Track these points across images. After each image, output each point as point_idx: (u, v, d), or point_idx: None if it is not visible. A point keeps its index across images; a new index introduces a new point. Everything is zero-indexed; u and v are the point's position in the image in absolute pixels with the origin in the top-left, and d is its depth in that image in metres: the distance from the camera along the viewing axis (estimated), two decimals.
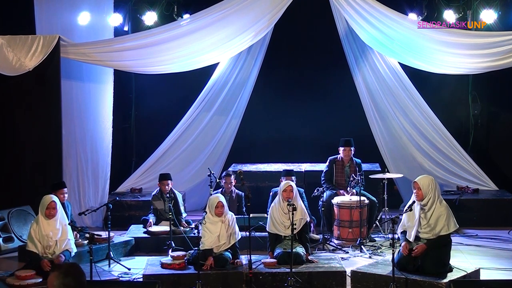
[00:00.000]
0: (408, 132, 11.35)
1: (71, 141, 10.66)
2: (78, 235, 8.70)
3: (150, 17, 11.29)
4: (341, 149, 10.16)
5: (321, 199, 9.57)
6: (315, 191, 9.47)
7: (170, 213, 9.05)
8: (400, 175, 10.61)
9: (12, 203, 9.90)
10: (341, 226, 9.64)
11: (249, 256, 7.65)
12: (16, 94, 10.16)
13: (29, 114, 10.17)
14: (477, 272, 7.80)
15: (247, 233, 7.85)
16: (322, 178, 10.23)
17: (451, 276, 7.43)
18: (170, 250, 8.67)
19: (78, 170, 10.74)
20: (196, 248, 7.78)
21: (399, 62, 11.10)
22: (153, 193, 9.90)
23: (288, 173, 9.73)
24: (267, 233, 8.49)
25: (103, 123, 10.84)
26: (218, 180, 9.96)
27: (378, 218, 9.99)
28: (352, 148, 10.16)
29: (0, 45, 9.85)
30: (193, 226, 9.49)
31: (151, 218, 9.66)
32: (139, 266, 8.49)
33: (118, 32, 11.00)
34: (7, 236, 9.60)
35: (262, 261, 8.05)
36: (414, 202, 7.77)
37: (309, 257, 8.14)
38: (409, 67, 10.93)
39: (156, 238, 9.38)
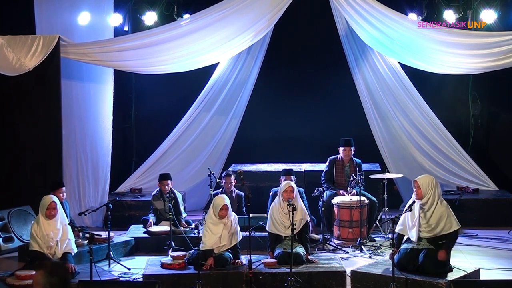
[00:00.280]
0: (408, 132, 11.35)
1: (71, 141, 10.65)
2: (80, 235, 8.69)
3: (150, 17, 11.28)
4: (341, 149, 10.16)
5: (321, 199, 9.57)
6: (315, 191, 9.47)
7: (170, 213, 9.05)
8: (400, 175, 10.61)
9: (12, 203, 9.90)
10: (341, 226, 9.64)
11: (249, 256, 7.65)
12: (16, 94, 10.16)
13: (29, 114, 10.17)
14: (477, 272, 7.80)
15: (247, 233, 7.85)
16: (322, 178, 10.23)
17: (451, 276, 7.43)
18: (170, 250, 8.67)
19: (78, 170, 10.74)
20: (196, 248, 7.78)
21: (399, 62, 11.10)
22: (153, 193, 9.90)
23: (287, 173, 9.73)
24: (267, 233, 8.48)
25: (103, 123, 10.83)
26: (218, 180, 9.95)
27: (378, 218, 9.99)
28: (352, 148, 10.16)
29: (0, 45, 9.86)
30: (193, 226, 9.49)
31: (151, 218, 9.66)
32: (139, 266, 8.48)
33: (118, 32, 10.99)
34: (7, 236, 9.60)
35: (262, 261, 8.05)
36: (414, 202, 7.79)
37: (309, 257, 8.14)
38: (409, 67, 10.93)
39: (156, 238, 9.38)
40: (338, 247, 9.40)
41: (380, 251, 9.11)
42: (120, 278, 8.07)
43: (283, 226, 8.23)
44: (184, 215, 9.81)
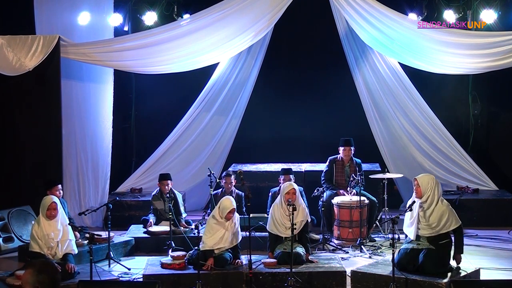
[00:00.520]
0: (408, 132, 11.35)
1: (71, 141, 10.65)
2: (79, 235, 8.69)
3: (150, 17, 11.29)
4: (341, 149, 10.16)
5: (321, 199, 9.56)
6: (315, 191, 9.46)
7: (170, 213, 9.05)
8: (400, 175, 10.61)
9: (12, 203, 9.90)
10: (341, 226, 9.64)
11: (249, 256, 7.65)
12: (16, 94, 10.16)
13: (29, 114, 10.17)
14: (477, 272, 7.80)
15: (247, 233, 7.85)
16: (322, 178, 10.22)
17: (451, 276, 7.43)
18: (170, 250, 8.67)
19: (78, 170, 10.74)
20: (196, 248, 7.78)
21: (399, 62, 11.10)
22: (153, 193, 9.89)
23: (286, 172, 9.71)
24: (267, 233, 8.48)
25: (103, 123, 10.83)
26: (218, 180, 9.95)
27: (378, 218, 9.99)
28: (352, 148, 10.16)
29: (0, 45, 9.86)
30: (193, 226, 9.49)
31: (151, 218, 9.65)
32: (139, 266, 8.48)
33: (118, 32, 11.00)
34: (7, 236, 9.60)
35: (262, 261, 8.05)
36: (414, 201, 7.79)
37: (309, 257, 8.13)
38: (409, 67, 10.93)
39: (156, 238, 9.38)
40: (338, 247, 9.40)
41: (380, 251, 9.10)
42: (120, 278, 8.07)
43: (284, 227, 8.22)
44: (184, 215, 9.81)
